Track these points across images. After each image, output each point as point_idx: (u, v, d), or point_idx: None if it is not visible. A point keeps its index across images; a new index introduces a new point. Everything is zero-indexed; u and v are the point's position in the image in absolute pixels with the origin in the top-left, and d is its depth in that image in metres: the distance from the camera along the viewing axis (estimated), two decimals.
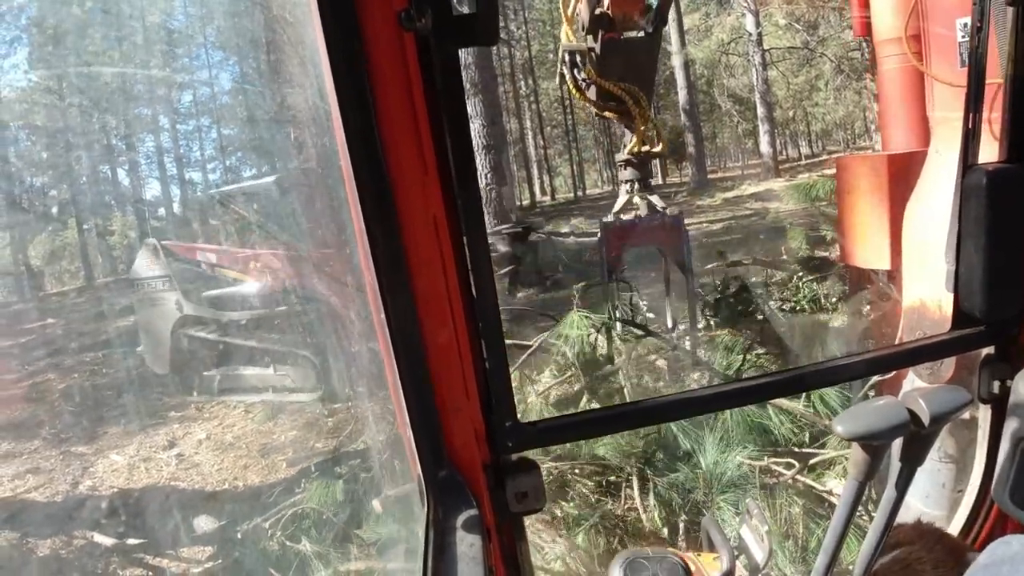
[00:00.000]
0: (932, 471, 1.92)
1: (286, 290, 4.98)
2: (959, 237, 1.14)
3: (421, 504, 0.93)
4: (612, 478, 3.77)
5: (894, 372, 2.15)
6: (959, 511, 1.35)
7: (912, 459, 1.01)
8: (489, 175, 8.09)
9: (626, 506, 3.71)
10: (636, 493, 3.62)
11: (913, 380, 1.91)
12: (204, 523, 4.08)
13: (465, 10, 0.78)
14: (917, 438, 0.97)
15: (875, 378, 2.74)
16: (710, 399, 1.12)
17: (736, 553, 1.13)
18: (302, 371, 4.87)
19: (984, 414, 1.24)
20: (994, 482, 1.14)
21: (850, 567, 1.17)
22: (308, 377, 4.85)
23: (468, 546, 0.84)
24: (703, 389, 1.09)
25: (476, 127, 7.94)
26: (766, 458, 3.57)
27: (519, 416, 0.97)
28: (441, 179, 0.83)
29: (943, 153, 1.82)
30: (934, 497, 1.92)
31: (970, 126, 1.14)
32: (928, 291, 1.80)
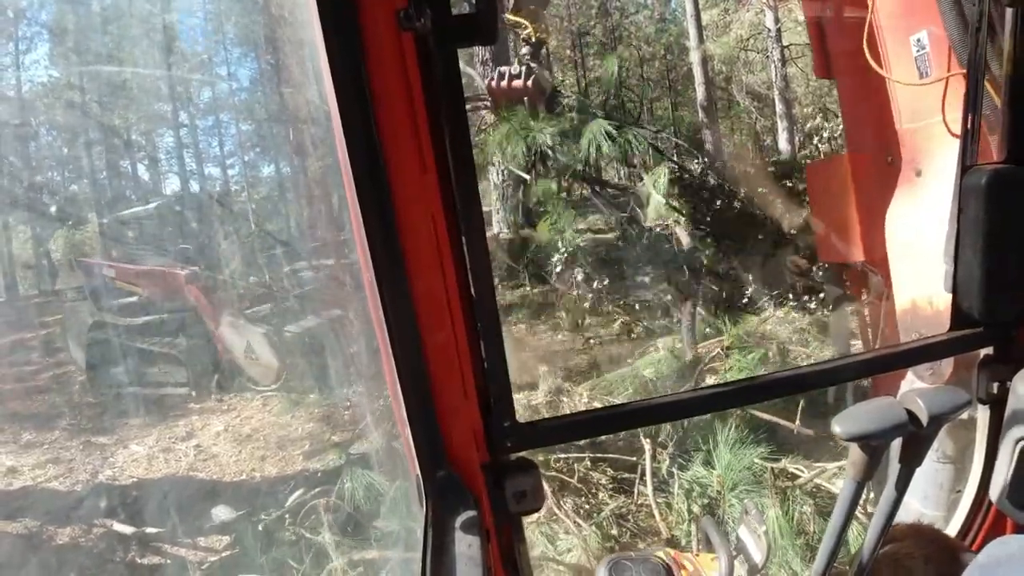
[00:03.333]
0: (930, 472, 1.92)
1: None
2: (958, 238, 1.14)
3: (420, 504, 0.93)
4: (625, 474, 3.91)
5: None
6: (957, 512, 1.35)
7: (910, 459, 1.01)
8: (505, 171, 8.01)
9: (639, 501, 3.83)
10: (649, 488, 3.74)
11: (913, 381, 1.91)
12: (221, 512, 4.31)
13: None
14: (916, 438, 0.97)
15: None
16: (710, 399, 1.11)
17: (735, 553, 1.13)
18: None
19: (983, 415, 1.23)
20: (992, 483, 1.14)
21: (848, 567, 1.17)
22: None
23: (467, 546, 0.83)
24: (702, 389, 1.09)
25: None
26: (783, 459, 3.64)
27: (516, 416, 0.97)
28: (440, 179, 0.83)
29: (918, 161, 1.95)
30: (932, 498, 1.92)
31: (969, 127, 1.14)
32: (918, 292, 1.85)
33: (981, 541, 1.28)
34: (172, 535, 4.18)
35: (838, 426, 0.94)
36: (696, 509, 3.67)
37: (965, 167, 1.14)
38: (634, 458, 4.10)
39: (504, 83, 4.91)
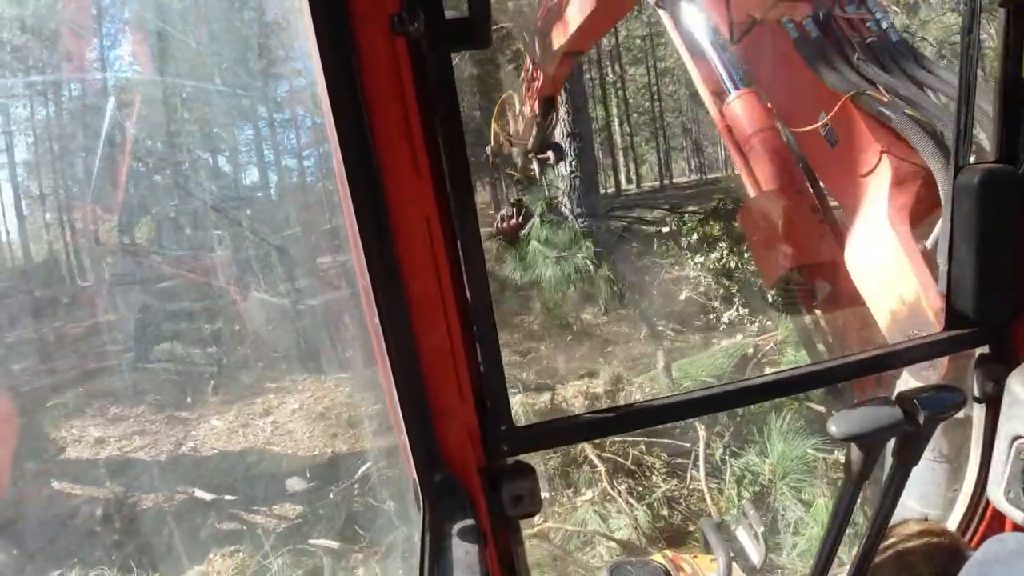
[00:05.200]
0: (927, 470, 1.92)
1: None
2: (951, 237, 1.15)
3: (417, 508, 0.93)
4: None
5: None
6: (955, 510, 1.35)
7: (907, 458, 1.01)
8: (574, 163, 7.97)
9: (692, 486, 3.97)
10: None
11: (908, 380, 1.92)
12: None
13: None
14: (912, 437, 0.98)
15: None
16: (709, 400, 1.11)
17: (732, 555, 1.13)
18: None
19: (978, 413, 1.24)
20: (989, 481, 1.14)
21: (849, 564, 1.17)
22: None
23: (464, 552, 0.83)
24: (701, 390, 1.09)
25: (561, 115, 7.86)
26: (837, 451, 3.67)
27: (512, 420, 0.97)
28: (434, 182, 0.83)
29: (854, 208, 2.27)
30: (929, 497, 1.93)
31: (961, 127, 1.15)
32: (890, 301, 1.94)
33: (979, 539, 1.29)
34: (249, 502, 4.50)
35: (834, 426, 0.94)
36: (747, 495, 3.71)
37: (958, 167, 1.14)
38: (688, 444, 4.21)
39: (504, 224, 6.12)
